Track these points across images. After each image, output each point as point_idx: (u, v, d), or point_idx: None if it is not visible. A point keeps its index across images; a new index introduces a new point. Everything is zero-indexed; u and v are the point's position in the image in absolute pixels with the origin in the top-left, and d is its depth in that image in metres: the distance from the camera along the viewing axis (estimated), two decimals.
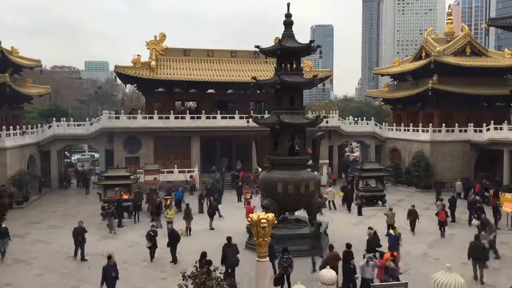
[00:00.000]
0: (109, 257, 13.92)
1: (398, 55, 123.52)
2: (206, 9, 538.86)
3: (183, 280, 10.98)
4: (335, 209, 28.22)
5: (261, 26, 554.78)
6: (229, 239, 15.80)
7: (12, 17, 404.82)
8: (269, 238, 9.60)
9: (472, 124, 36.50)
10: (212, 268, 11.72)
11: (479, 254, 15.43)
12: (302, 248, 17.65)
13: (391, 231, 17.51)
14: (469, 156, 36.45)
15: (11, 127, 31.20)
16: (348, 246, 14.78)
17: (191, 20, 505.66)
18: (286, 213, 20.55)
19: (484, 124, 34.72)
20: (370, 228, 17.44)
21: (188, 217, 22.58)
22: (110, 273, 13.57)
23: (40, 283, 15.85)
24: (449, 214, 24.22)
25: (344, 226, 23.64)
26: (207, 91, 42.13)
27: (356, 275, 13.77)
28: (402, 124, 41.87)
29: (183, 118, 38.01)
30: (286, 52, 20.02)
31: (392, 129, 42.91)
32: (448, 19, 44.31)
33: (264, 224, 9.16)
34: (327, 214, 26.32)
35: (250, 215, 9.68)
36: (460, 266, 16.72)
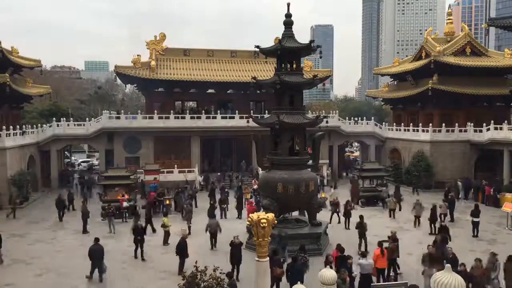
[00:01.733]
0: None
1: (398, 55, 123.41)
2: (186, 9, 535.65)
3: (183, 280, 10.99)
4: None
5: (239, 25, 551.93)
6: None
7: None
8: (269, 238, 9.59)
9: (472, 124, 36.48)
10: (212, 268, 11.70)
11: None
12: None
13: None
14: (469, 156, 36.43)
15: (11, 127, 31.20)
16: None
17: (170, 20, 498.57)
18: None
19: (484, 124, 34.71)
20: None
21: (188, 216, 22.63)
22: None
23: (40, 283, 15.84)
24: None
25: (342, 226, 23.65)
26: (207, 91, 42.15)
27: (354, 273, 13.91)
28: (402, 124, 41.86)
29: (183, 118, 38.03)
30: (286, 52, 20.00)
31: (392, 129, 42.91)
32: (448, 19, 44.31)
33: (264, 224, 9.14)
34: (327, 215, 26.29)
35: (250, 215, 9.67)
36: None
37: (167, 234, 20.42)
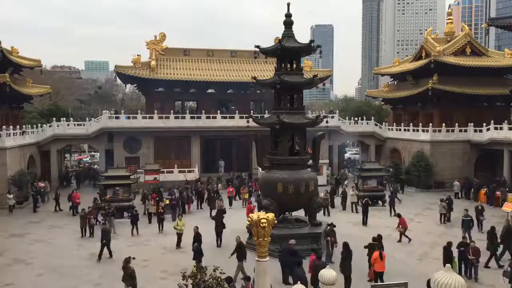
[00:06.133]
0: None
1: (398, 55, 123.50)
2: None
3: (183, 280, 10.98)
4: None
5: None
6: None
7: None
8: (269, 238, 9.58)
9: (472, 124, 36.49)
10: (212, 267, 11.69)
11: None
12: (302, 248, 17.60)
13: None
14: (469, 156, 36.43)
15: (11, 127, 31.19)
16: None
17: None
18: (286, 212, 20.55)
19: (484, 124, 34.74)
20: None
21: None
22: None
23: (40, 283, 15.84)
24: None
25: (343, 226, 23.62)
26: (207, 91, 42.16)
27: None
28: (402, 124, 41.89)
29: (183, 118, 38.04)
30: (286, 52, 19.99)
31: (392, 129, 42.91)
32: (448, 19, 44.33)
33: (264, 224, 9.14)
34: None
35: (250, 214, 9.67)
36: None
37: (179, 237, 19.99)
